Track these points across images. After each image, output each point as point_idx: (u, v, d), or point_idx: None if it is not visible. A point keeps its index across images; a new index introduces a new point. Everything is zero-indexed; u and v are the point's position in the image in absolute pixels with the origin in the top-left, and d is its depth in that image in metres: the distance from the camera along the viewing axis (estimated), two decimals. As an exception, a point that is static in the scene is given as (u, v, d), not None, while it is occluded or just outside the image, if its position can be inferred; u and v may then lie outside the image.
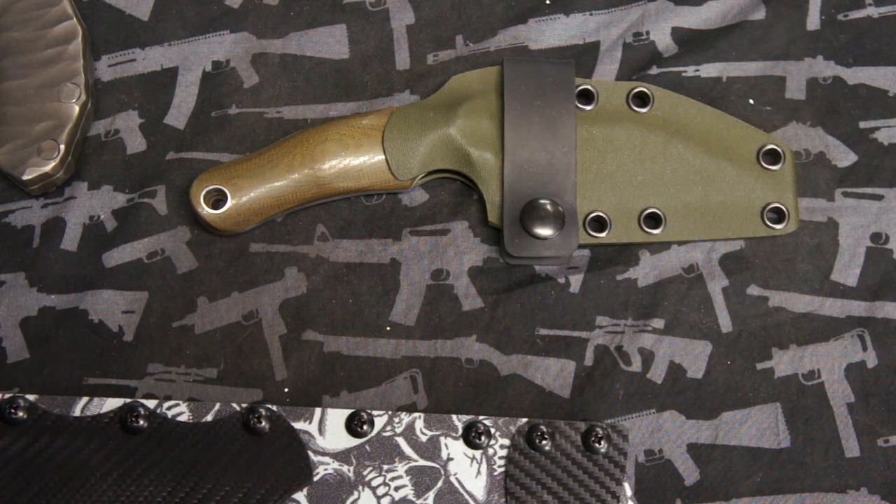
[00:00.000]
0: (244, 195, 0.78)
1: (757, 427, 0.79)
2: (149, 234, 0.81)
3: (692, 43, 0.85)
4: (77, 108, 0.80)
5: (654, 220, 0.80)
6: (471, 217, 0.82)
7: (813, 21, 0.86)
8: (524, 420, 0.74)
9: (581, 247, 0.81)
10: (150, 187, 0.82)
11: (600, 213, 0.80)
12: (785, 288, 0.81)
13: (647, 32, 0.86)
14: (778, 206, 0.81)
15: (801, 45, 0.85)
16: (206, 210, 0.78)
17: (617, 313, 0.80)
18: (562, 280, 0.81)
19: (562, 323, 0.80)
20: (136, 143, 0.83)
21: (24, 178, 0.79)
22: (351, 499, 0.73)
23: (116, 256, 0.81)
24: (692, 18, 0.86)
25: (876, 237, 0.82)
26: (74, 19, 0.82)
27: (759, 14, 0.86)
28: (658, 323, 0.80)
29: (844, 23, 0.86)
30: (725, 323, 0.80)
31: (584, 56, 0.85)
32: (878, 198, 0.83)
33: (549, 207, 0.78)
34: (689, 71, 0.84)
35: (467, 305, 0.80)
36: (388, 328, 0.80)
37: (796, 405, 0.79)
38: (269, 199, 0.78)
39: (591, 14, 0.86)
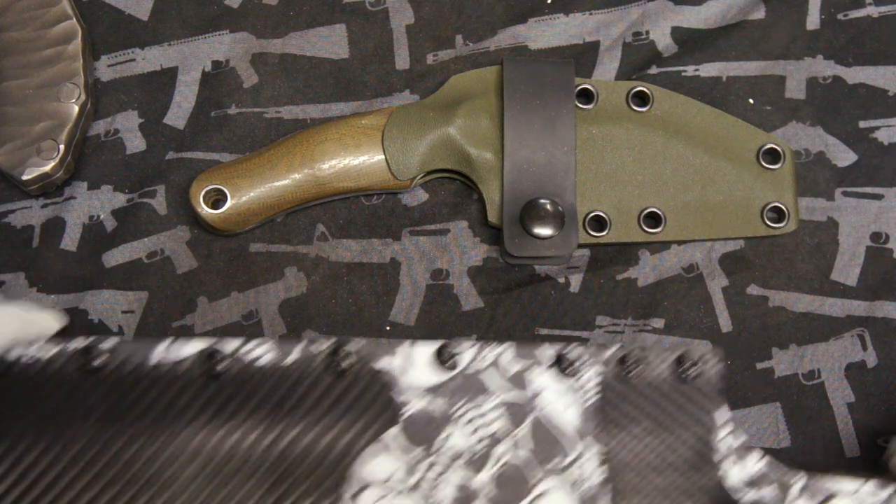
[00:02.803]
0: (244, 195, 0.78)
1: (757, 427, 0.79)
2: (149, 234, 0.81)
3: (692, 42, 0.85)
4: (77, 108, 0.80)
5: (653, 220, 0.80)
6: (471, 217, 0.82)
7: (813, 21, 0.86)
8: (614, 348, 0.72)
9: (581, 246, 0.81)
10: (149, 187, 0.82)
11: (600, 213, 0.80)
12: (785, 288, 0.81)
13: (647, 32, 0.86)
14: (778, 205, 0.81)
15: (801, 44, 0.85)
16: (205, 210, 0.78)
17: (617, 313, 0.80)
18: (562, 280, 0.81)
19: (562, 323, 0.80)
20: (135, 142, 0.83)
21: (24, 178, 0.79)
22: (442, 434, 0.71)
23: (116, 256, 0.81)
24: (692, 18, 0.86)
25: (876, 237, 0.82)
26: (74, 19, 0.82)
27: (759, 14, 0.86)
28: (658, 323, 0.80)
29: (844, 22, 0.86)
30: (725, 323, 0.80)
31: (583, 56, 0.85)
32: (878, 197, 0.83)
33: (548, 207, 0.78)
34: (689, 70, 0.84)
35: (467, 305, 0.80)
36: (388, 328, 0.80)
37: (796, 405, 0.79)
38: (269, 199, 0.78)
39: (590, 14, 0.86)
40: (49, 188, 0.81)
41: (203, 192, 0.78)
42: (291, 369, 0.71)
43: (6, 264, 0.80)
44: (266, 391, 0.71)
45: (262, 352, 0.71)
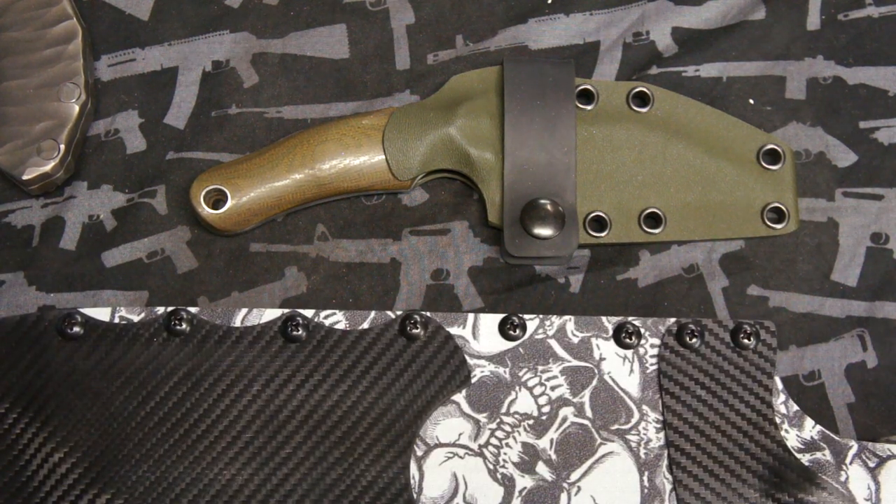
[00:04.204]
0: (244, 195, 0.78)
1: (757, 427, 0.79)
2: (149, 233, 0.81)
3: (692, 43, 0.85)
4: (77, 108, 0.80)
5: (654, 220, 0.80)
6: (471, 217, 0.82)
7: (813, 21, 0.86)
8: (672, 320, 0.76)
9: (581, 247, 0.81)
10: (150, 187, 0.82)
11: (600, 213, 0.80)
12: (785, 288, 0.81)
13: (647, 32, 0.86)
14: (778, 205, 0.81)
15: (801, 45, 0.85)
16: (206, 210, 0.78)
17: (617, 313, 0.80)
18: (562, 280, 0.81)
19: (562, 323, 0.80)
20: (135, 142, 0.83)
21: (24, 177, 0.79)
22: (509, 399, 0.75)
23: (116, 256, 0.81)
24: (692, 18, 0.86)
25: (876, 237, 0.82)
26: (74, 19, 0.82)
27: (759, 14, 0.86)
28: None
29: (844, 23, 0.86)
30: (725, 323, 0.80)
31: (584, 56, 0.85)
32: (879, 198, 0.83)
33: (549, 207, 0.78)
34: (689, 71, 0.84)
35: (467, 305, 0.80)
36: (388, 328, 0.80)
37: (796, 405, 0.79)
38: (269, 200, 0.78)
39: (591, 14, 0.86)
40: (49, 188, 0.81)
41: (203, 192, 0.78)
42: (366, 333, 0.75)
43: (6, 263, 0.80)
44: (341, 353, 0.75)
45: (337, 318, 0.75)
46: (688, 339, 0.76)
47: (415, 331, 0.75)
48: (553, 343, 0.76)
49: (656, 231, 0.80)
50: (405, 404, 0.74)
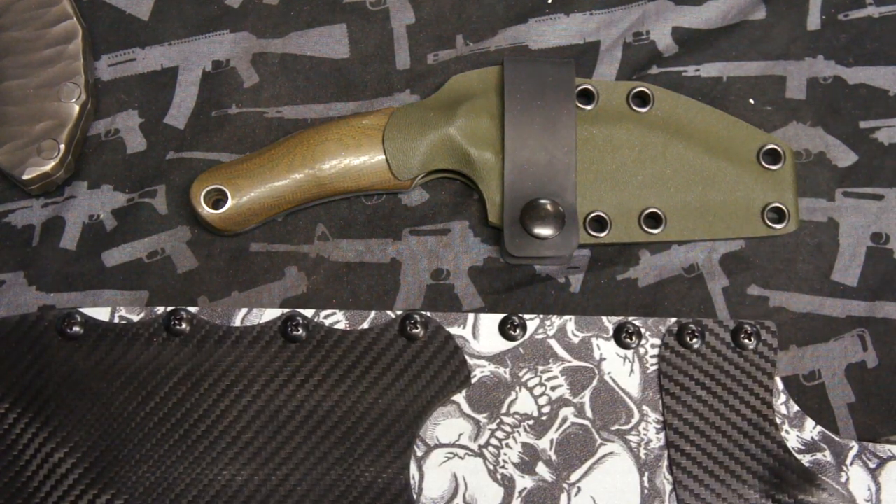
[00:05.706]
0: (244, 195, 0.78)
1: (757, 427, 0.79)
2: (149, 233, 0.81)
3: (692, 43, 0.85)
4: (77, 108, 0.80)
5: (654, 220, 0.80)
6: (471, 217, 0.82)
7: (813, 21, 0.86)
8: (673, 320, 0.76)
9: (581, 247, 0.81)
10: (150, 187, 0.82)
11: (600, 213, 0.80)
12: (785, 288, 0.81)
13: (648, 32, 0.86)
14: (778, 205, 0.81)
15: (801, 44, 0.85)
16: (206, 210, 0.78)
17: (617, 313, 0.80)
18: (562, 280, 0.81)
19: (562, 323, 0.80)
20: (136, 142, 0.83)
21: (24, 177, 0.79)
22: (509, 399, 0.75)
23: (116, 256, 0.81)
24: (692, 18, 0.86)
25: (876, 237, 0.82)
26: (74, 19, 0.82)
27: (760, 14, 0.86)
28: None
29: (845, 23, 0.86)
30: (725, 323, 0.80)
31: (584, 56, 0.85)
32: (879, 198, 0.83)
33: (549, 207, 0.78)
34: (690, 71, 0.84)
35: (467, 305, 0.80)
36: (389, 328, 0.80)
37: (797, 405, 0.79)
38: (270, 199, 0.78)
39: (591, 14, 0.86)
40: (49, 188, 0.81)
41: (203, 192, 0.78)
42: (366, 333, 0.75)
43: (6, 263, 0.80)
44: (341, 353, 0.75)
45: (337, 318, 0.75)
46: (688, 339, 0.76)
47: (415, 331, 0.75)
48: (553, 343, 0.76)
49: (656, 231, 0.80)
50: (405, 404, 0.74)
